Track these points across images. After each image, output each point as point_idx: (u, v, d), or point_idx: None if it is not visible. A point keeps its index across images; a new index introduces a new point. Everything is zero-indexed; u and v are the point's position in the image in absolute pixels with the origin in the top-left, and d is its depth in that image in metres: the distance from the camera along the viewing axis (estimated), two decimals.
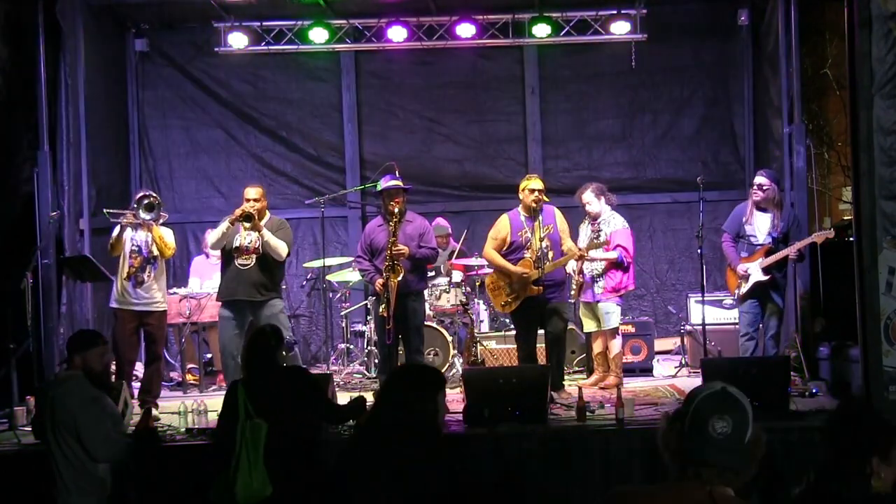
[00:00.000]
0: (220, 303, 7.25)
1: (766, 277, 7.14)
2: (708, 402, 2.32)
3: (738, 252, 7.32)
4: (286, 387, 4.55)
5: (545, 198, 7.07)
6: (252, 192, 7.15)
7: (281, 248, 7.07)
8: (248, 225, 6.99)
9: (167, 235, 7.25)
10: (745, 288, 7.20)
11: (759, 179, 7.26)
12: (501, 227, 7.13)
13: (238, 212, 7.01)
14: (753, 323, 7.28)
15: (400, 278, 6.89)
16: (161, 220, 7.22)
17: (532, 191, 6.97)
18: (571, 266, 7.50)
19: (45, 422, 4.78)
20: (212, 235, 7.21)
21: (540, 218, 6.98)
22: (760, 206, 7.25)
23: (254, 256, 7.05)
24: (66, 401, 4.72)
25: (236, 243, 7.08)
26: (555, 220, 7.06)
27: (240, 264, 7.06)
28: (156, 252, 7.14)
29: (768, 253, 7.17)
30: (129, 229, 7.10)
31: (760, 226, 7.25)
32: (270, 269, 7.09)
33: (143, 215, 7.07)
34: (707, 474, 2.28)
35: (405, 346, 7.14)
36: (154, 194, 7.29)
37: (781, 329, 7.38)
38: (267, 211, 7.23)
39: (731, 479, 2.29)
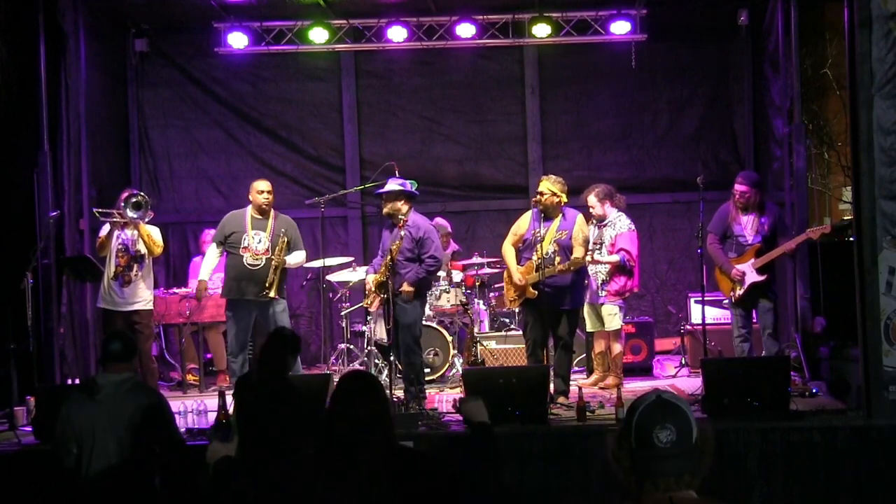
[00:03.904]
0: (223, 300, 7.26)
1: (762, 277, 7.11)
2: (647, 415, 2.35)
3: (725, 253, 7.27)
4: (275, 403, 4.48)
5: (558, 197, 6.85)
6: (264, 184, 7.24)
7: (300, 261, 7.25)
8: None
9: (155, 233, 7.27)
10: (741, 290, 7.13)
11: (739, 188, 7.16)
12: (521, 223, 7.11)
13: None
14: (746, 324, 7.28)
15: (383, 295, 6.71)
16: (147, 219, 7.23)
17: (538, 192, 6.94)
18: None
19: (91, 425, 4.33)
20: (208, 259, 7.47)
21: (558, 221, 6.89)
22: (742, 209, 7.20)
23: (264, 257, 7.06)
24: (138, 399, 4.40)
25: (245, 243, 7.08)
26: (572, 227, 6.90)
27: (249, 264, 7.07)
28: (143, 250, 7.15)
29: (758, 253, 7.15)
30: (116, 228, 7.13)
31: (748, 226, 7.20)
32: (280, 269, 7.11)
33: (130, 214, 7.08)
34: (664, 484, 2.30)
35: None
36: (142, 193, 7.31)
37: (779, 324, 7.37)
38: (273, 208, 7.25)
39: (690, 482, 2.31)
